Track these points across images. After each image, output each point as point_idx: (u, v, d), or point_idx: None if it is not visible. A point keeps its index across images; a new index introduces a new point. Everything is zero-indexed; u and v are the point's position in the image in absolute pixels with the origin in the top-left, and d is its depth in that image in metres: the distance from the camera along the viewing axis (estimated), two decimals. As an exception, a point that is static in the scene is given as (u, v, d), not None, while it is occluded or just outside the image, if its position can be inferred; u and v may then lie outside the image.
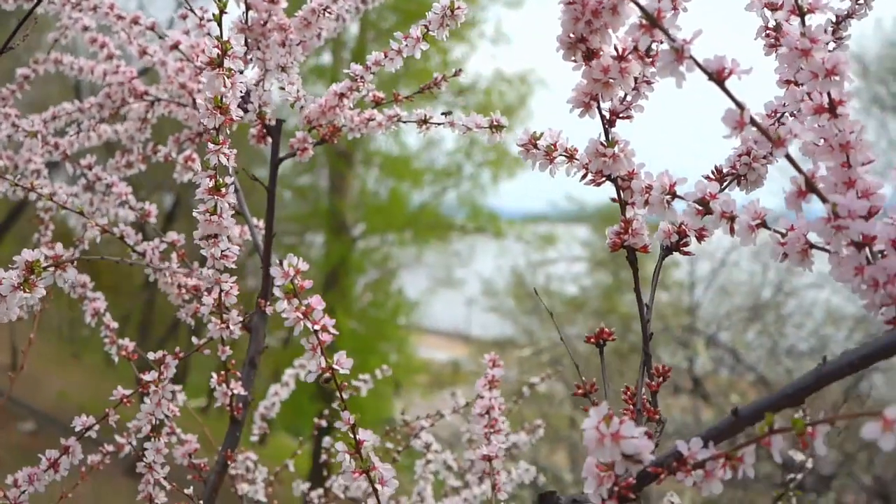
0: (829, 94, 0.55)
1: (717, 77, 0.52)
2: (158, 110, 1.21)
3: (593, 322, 8.75)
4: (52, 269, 0.69)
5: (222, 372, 0.98)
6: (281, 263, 0.63)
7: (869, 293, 0.52)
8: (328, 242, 11.34)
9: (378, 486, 0.66)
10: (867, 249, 0.54)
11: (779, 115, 0.70)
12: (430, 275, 12.37)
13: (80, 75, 1.25)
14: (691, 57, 0.51)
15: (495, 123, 0.87)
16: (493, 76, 10.50)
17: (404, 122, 1.01)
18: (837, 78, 0.54)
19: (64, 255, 0.71)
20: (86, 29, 1.20)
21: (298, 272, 0.63)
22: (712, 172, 0.70)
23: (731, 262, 7.12)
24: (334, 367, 0.65)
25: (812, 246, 0.56)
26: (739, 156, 0.70)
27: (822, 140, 0.57)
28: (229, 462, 1.01)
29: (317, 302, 0.64)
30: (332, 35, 1.14)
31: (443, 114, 1.01)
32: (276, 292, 0.63)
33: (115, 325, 1.11)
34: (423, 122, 1.00)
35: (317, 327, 0.64)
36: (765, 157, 0.69)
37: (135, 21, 1.10)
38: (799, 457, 1.13)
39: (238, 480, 1.33)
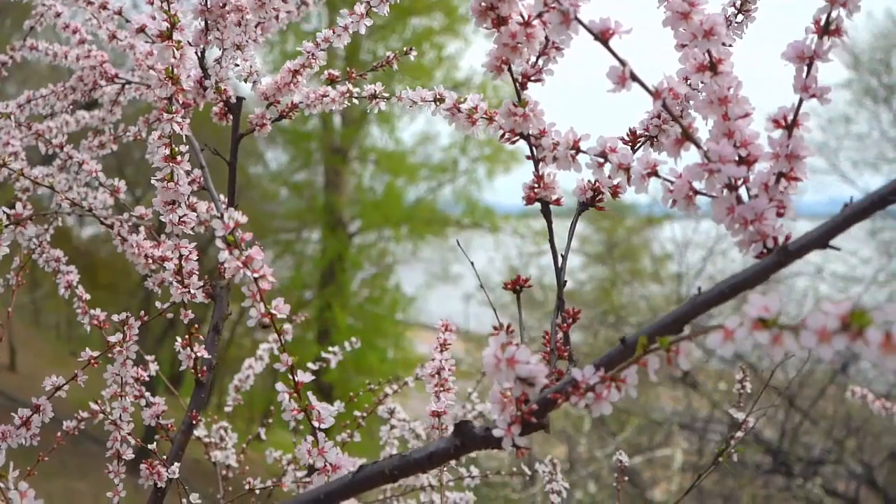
0: (709, 52, 0.60)
1: (602, 37, 0.58)
2: (129, 93, 1.27)
3: (588, 313, 8.80)
4: (12, 226, 0.74)
5: (186, 336, 1.04)
6: (222, 217, 0.68)
7: (740, 231, 0.58)
8: (325, 238, 11.40)
9: (316, 424, 0.72)
10: (743, 191, 0.59)
11: (688, 80, 0.76)
12: (427, 270, 12.43)
13: (54, 60, 1.31)
14: (577, 19, 0.57)
15: (438, 97, 0.93)
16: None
17: (356, 97, 1.07)
18: (715, 38, 0.60)
19: (24, 214, 0.76)
20: (58, 15, 1.25)
21: (238, 224, 0.69)
22: (626, 134, 0.76)
23: (718, 251, 7.18)
24: (273, 311, 0.70)
25: (696, 192, 0.62)
26: (652, 118, 0.75)
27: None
28: (194, 422, 1.07)
29: (256, 252, 0.70)
30: (295, 19, 1.19)
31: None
32: (218, 243, 0.69)
33: (87, 296, 1.17)
34: (374, 97, 1.05)
35: (256, 275, 0.69)
36: (675, 120, 0.74)
37: (103, 6, 1.16)
38: (739, 415, 1.19)
39: (211, 448, 1.39)
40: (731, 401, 1.27)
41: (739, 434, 1.15)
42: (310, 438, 0.72)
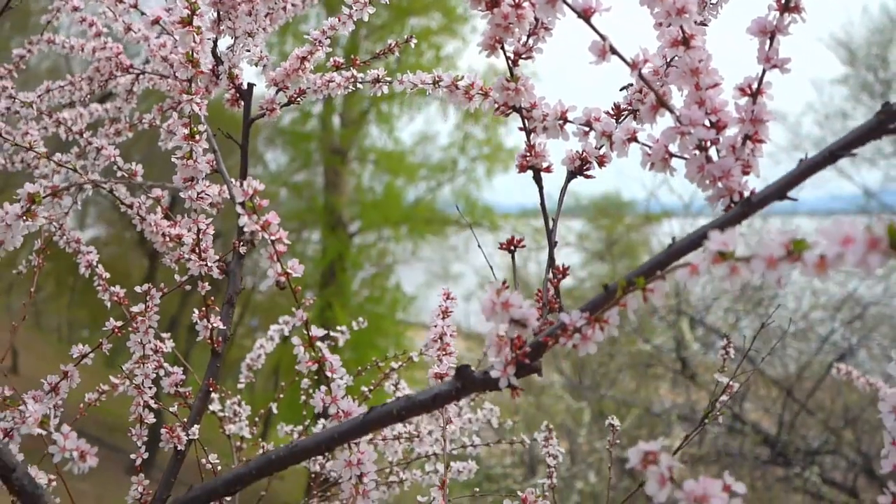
0: (682, 28, 0.67)
1: (585, 15, 0.64)
2: (144, 83, 1.34)
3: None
4: (50, 197, 0.81)
5: (203, 308, 1.10)
6: (241, 185, 0.75)
7: (710, 187, 0.65)
8: (325, 239, 11.47)
9: (329, 374, 0.79)
10: (713, 152, 0.66)
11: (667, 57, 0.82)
12: (427, 269, 12.50)
13: (70, 53, 1.37)
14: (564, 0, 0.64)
15: (436, 79, 1.00)
16: (485, 70, 10.63)
17: (360, 83, 1.14)
18: (687, 15, 0.66)
19: (60, 186, 0.83)
20: (75, 9, 1.32)
21: (257, 192, 0.76)
22: (611, 108, 0.82)
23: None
24: (289, 271, 0.77)
25: (671, 154, 0.68)
26: (634, 92, 0.82)
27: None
28: (211, 389, 1.13)
29: (273, 217, 0.76)
30: (300, 11, 1.26)
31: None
32: (238, 209, 0.75)
33: (107, 274, 1.23)
34: (377, 81, 1.12)
35: (274, 238, 0.76)
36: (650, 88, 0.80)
37: (119, 0, 1.23)
38: (723, 379, 1.25)
39: (225, 422, 1.46)
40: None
41: (724, 398, 1.22)
42: (323, 388, 0.79)
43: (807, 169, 0.60)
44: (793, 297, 7.91)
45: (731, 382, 1.21)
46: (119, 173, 1.24)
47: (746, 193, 0.64)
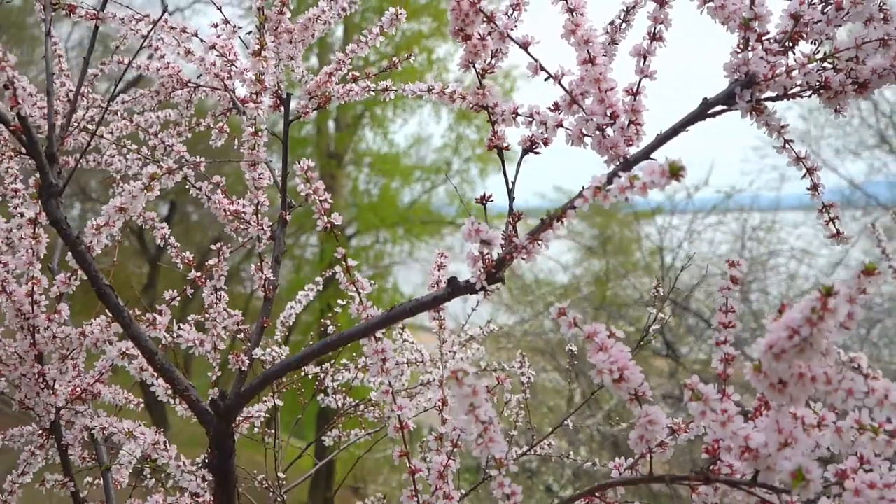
0: (588, 51, 1.03)
1: (524, 46, 1.00)
2: (199, 94, 1.69)
3: (585, 305, 9.21)
4: (165, 175, 1.17)
5: (258, 263, 1.46)
6: (298, 162, 1.11)
7: (605, 154, 1.01)
8: (322, 242, 11.81)
9: (360, 291, 1.15)
10: (609, 131, 1.02)
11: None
12: (424, 270, 12.82)
13: (137, 71, 1.73)
14: (509, 36, 1.00)
15: (430, 87, 1.36)
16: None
17: (373, 91, 1.50)
18: (591, 43, 1.03)
19: (173, 166, 1.19)
20: (144, 37, 1.68)
21: (310, 167, 1.12)
22: (552, 104, 1.18)
23: (695, 229, 7.63)
24: (332, 220, 1.13)
25: (584, 134, 1.05)
26: (563, 96, 1.18)
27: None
28: (265, 325, 1.49)
29: (320, 184, 1.13)
30: (320, 34, 1.63)
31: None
32: (297, 179, 1.12)
33: (177, 244, 1.59)
34: (386, 90, 1.49)
35: (321, 199, 1.12)
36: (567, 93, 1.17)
37: (183, 30, 1.59)
38: (660, 317, 1.61)
39: (268, 364, 1.82)
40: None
41: (656, 326, 1.58)
42: (357, 300, 1.15)
43: (660, 141, 0.96)
44: (775, 283, 8.31)
45: (661, 315, 1.57)
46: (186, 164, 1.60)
47: (629, 157, 1.00)
